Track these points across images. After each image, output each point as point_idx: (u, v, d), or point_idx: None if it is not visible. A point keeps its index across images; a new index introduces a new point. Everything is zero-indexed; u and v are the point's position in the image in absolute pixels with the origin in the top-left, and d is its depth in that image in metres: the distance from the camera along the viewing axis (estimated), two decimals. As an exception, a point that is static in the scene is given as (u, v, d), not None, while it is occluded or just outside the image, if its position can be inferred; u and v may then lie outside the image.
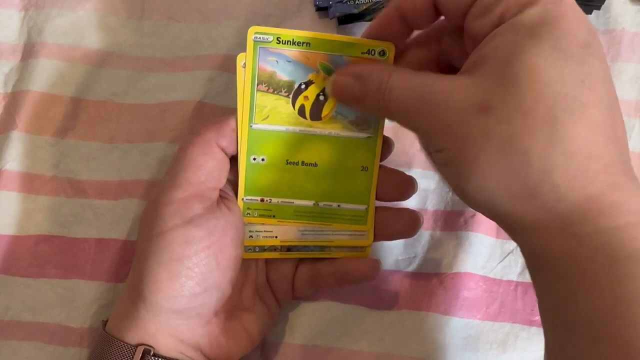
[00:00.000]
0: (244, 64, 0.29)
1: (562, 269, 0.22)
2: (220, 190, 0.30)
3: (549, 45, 0.22)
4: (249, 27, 0.29)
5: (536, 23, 0.22)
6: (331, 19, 0.38)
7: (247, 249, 0.32)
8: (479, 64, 0.23)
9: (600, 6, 0.40)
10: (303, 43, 0.29)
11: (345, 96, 0.29)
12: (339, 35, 0.29)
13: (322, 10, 0.39)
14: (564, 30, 0.22)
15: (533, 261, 0.24)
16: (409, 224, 0.32)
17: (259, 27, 0.29)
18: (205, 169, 0.29)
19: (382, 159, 0.32)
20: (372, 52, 0.29)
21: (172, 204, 0.28)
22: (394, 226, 0.32)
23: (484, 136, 0.22)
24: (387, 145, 0.32)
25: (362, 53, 0.29)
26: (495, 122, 0.22)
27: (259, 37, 0.29)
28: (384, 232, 0.33)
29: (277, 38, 0.29)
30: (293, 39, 0.29)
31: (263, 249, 0.32)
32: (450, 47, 0.28)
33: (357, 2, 0.38)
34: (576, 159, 0.21)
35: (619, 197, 0.21)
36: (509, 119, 0.22)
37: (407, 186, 0.32)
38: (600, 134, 0.22)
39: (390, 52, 0.29)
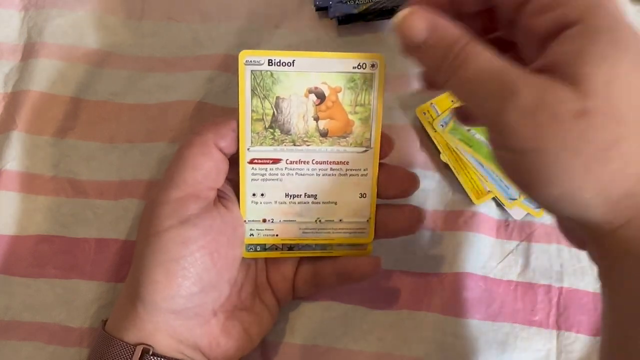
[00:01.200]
0: (247, 60, 0.29)
1: None
2: (219, 190, 0.30)
3: (633, 53, 0.22)
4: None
5: (610, 28, 0.22)
6: (331, 18, 0.38)
7: (248, 247, 0.32)
8: (560, 67, 0.23)
9: (601, 6, 0.39)
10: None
11: (409, 41, 0.25)
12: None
13: (322, 10, 0.39)
14: (634, 39, 0.22)
15: (616, 257, 0.24)
16: (410, 220, 0.32)
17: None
18: (203, 169, 0.29)
19: (382, 157, 0.32)
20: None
21: (168, 204, 0.28)
22: (395, 223, 0.32)
23: (583, 140, 0.22)
24: (387, 144, 0.32)
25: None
26: (592, 127, 0.22)
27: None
28: (385, 229, 0.33)
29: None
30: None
31: (264, 247, 0.32)
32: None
33: (357, 2, 0.38)
34: None
35: None
36: (605, 124, 0.22)
37: (410, 183, 0.32)
38: None
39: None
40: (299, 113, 0.30)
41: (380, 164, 0.32)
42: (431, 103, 0.38)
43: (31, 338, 0.35)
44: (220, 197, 0.30)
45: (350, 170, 0.32)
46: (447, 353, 0.35)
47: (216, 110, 0.38)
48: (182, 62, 0.39)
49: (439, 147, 0.37)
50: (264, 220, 0.32)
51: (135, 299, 0.29)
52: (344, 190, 0.32)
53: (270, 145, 0.31)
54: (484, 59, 0.23)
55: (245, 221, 0.32)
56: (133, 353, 0.28)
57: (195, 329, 0.30)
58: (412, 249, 0.37)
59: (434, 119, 0.38)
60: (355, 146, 0.31)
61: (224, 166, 0.30)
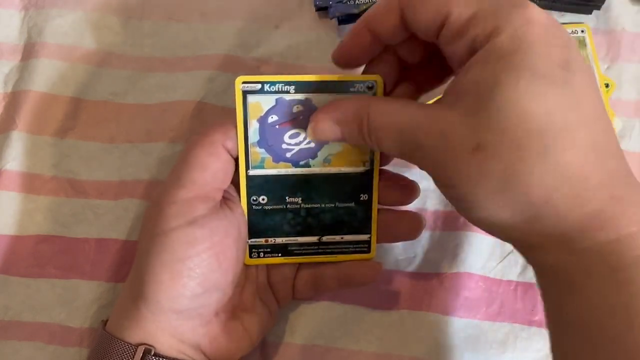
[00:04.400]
0: (244, 87, 0.29)
1: (564, 279, 0.23)
2: (224, 191, 0.30)
3: (529, 74, 0.22)
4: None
5: (509, 51, 0.22)
6: (331, 19, 0.38)
7: (251, 253, 0.32)
8: (462, 98, 0.23)
9: (600, 6, 0.40)
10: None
11: (329, 140, 0.29)
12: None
13: (322, 10, 0.39)
14: (539, 54, 0.22)
15: (540, 273, 0.25)
16: (411, 226, 0.32)
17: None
18: (211, 170, 0.29)
19: (383, 164, 0.32)
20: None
21: (175, 204, 0.28)
22: (396, 229, 0.33)
23: (481, 174, 0.23)
24: (385, 154, 0.32)
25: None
26: (490, 159, 0.22)
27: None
28: (386, 235, 0.33)
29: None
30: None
31: (266, 252, 0.32)
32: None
33: (357, 2, 0.38)
34: (573, 182, 0.22)
35: (618, 210, 0.22)
36: (502, 155, 0.22)
37: (410, 191, 0.32)
38: (593, 152, 0.22)
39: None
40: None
41: (380, 171, 0.32)
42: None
43: (31, 338, 0.35)
44: (225, 198, 0.30)
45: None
46: (447, 353, 0.35)
47: (216, 110, 0.38)
48: (182, 62, 0.39)
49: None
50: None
51: (138, 299, 0.29)
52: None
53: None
54: (387, 119, 0.26)
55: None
56: (134, 353, 0.28)
57: (197, 329, 0.30)
58: (412, 249, 0.37)
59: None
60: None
61: (230, 167, 0.30)
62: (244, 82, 0.29)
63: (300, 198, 0.31)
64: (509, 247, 0.37)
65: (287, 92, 0.29)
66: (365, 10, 0.37)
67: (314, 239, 0.32)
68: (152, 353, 0.28)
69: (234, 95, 0.29)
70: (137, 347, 0.28)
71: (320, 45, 0.39)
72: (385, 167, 0.32)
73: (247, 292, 0.32)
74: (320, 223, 0.32)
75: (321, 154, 0.30)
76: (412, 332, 0.36)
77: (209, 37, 0.39)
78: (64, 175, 0.37)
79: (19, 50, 0.39)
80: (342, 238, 0.32)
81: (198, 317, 0.29)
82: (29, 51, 0.39)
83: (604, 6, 0.40)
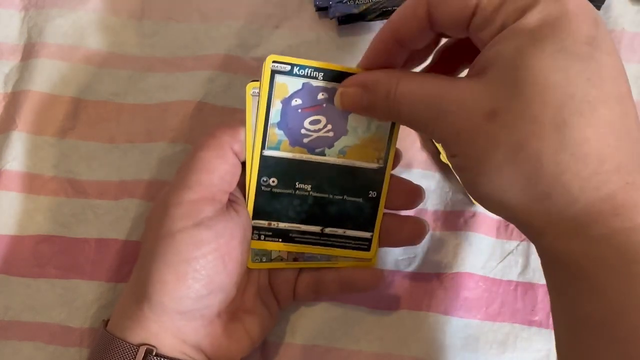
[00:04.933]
0: (254, 92, 0.29)
1: (574, 270, 0.22)
2: (230, 193, 0.30)
3: (553, 48, 0.21)
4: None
5: (538, 25, 0.22)
6: (331, 19, 0.38)
7: (254, 258, 0.32)
8: (485, 69, 0.23)
9: (600, 6, 0.40)
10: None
11: (354, 107, 0.29)
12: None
13: (322, 10, 0.39)
14: (566, 29, 0.21)
15: (546, 261, 0.24)
16: (414, 232, 0.32)
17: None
18: (218, 172, 0.29)
19: (393, 166, 0.32)
20: None
21: (182, 205, 0.28)
22: (399, 234, 0.32)
23: (492, 143, 0.22)
24: (395, 156, 0.32)
25: None
26: (502, 128, 0.22)
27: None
28: (389, 240, 0.33)
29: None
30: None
31: (269, 258, 0.32)
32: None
33: (357, 2, 0.38)
34: (588, 161, 0.21)
35: (635, 197, 0.21)
36: (515, 124, 0.21)
37: (415, 195, 0.32)
38: (612, 133, 0.21)
39: None
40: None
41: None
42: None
43: (31, 338, 0.35)
44: (230, 200, 0.30)
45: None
46: (447, 353, 0.35)
47: (216, 110, 0.38)
48: (182, 62, 0.39)
49: (439, 147, 0.37)
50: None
51: (142, 299, 0.29)
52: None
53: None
54: (415, 87, 0.25)
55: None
56: (136, 353, 0.28)
57: (199, 330, 0.30)
58: (412, 249, 0.37)
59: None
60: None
61: (237, 170, 0.30)
62: (274, 62, 0.29)
63: (310, 185, 0.31)
64: (509, 247, 0.37)
65: (315, 77, 0.29)
66: (365, 10, 0.37)
67: (316, 229, 0.32)
68: (154, 353, 0.28)
69: (262, 73, 0.29)
70: (139, 347, 0.28)
71: (320, 45, 0.39)
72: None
73: (248, 293, 0.32)
74: (325, 214, 0.32)
75: (337, 144, 0.30)
76: (412, 332, 0.36)
77: (209, 37, 0.39)
78: (64, 175, 0.37)
79: (19, 50, 0.39)
80: (344, 232, 0.32)
81: (201, 318, 0.29)
82: (29, 51, 0.39)
83: (604, 6, 0.40)
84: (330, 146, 0.30)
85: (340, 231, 0.32)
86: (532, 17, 0.22)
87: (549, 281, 0.25)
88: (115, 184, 0.37)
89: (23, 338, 0.35)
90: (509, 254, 0.37)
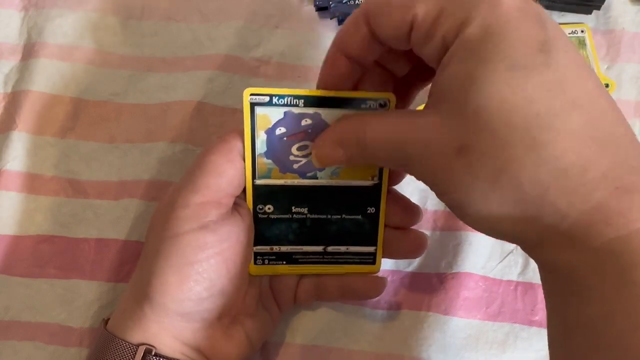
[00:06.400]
0: (250, 100, 0.28)
1: (570, 280, 0.22)
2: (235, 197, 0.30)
3: (503, 66, 0.20)
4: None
5: (481, 39, 0.20)
6: (331, 19, 0.38)
7: (256, 259, 0.32)
8: (441, 99, 0.22)
9: (600, 6, 0.40)
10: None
11: (334, 164, 0.28)
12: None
13: (322, 10, 0.39)
14: (512, 40, 0.20)
15: (543, 271, 0.24)
16: (415, 245, 0.32)
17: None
18: (227, 177, 0.29)
19: (395, 182, 0.32)
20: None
21: (188, 208, 0.28)
22: (399, 247, 0.32)
23: (470, 175, 0.22)
24: (398, 174, 0.32)
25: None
26: (476, 160, 0.21)
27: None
28: (390, 252, 0.33)
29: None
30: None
31: (271, 259, 0.32)
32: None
33: (357, 2, 0.38)
34: (570, 173, 0.20)
35: (626, 203, 0.20)
36: (488, 155, 0.21)
37: (413, 214, 0.32)
38: (590, 137, 0.20)
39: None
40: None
41: (388, 189, 0.31)
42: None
43: (31, 338, 0.35)
44: (235, 204, 0.30)
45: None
46: (447, 353, 0.35)
47: (216, 110, 0.38)
48: (182, 62, 0.39)
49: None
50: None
51: (143, 299, 0.28)
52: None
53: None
54: (381, 131, 0.25)
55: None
56: (135, 353, 0.28)
57: (199, 332, 0.30)
58: (412, 249, 0.37)
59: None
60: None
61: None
62: (252, 94, 0.28)
63: (307, 208, 0.31)
64: (509, 247, 0.37)
65: (296, 105, 0.28)
66: (365, 10, 0.37)
67: (319, 248, 0.32)
68: (153, 353, 0.28)
69: (243, 106, 0.28)
70: (138, 347, 0.28)
71: (321, 45, 0.39)
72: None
73: (249, 297, 0.32)
74: (326, 233, 0.31)
75: (329, 167, 0.30)
76: (412, 332, 0.36)
77: (209, 37, 0.39)
78: (64, 175, 0.37)
79: (19, 50, 0.39)
80: (347, 249, 0.32)
81: (201, 321, 0.29)
82: (29, 51, 0.39)
83: (604, 6, 0.40)
84: (322, 169, 0.30)
85: (343, 248, 0.32)
86: (473, 30, 0.21)
87: (543, 285, 0.24)
88: (115, 184, 0.37)
89: (23, 338, 0.35)
90: (508, 254, 0.37)
